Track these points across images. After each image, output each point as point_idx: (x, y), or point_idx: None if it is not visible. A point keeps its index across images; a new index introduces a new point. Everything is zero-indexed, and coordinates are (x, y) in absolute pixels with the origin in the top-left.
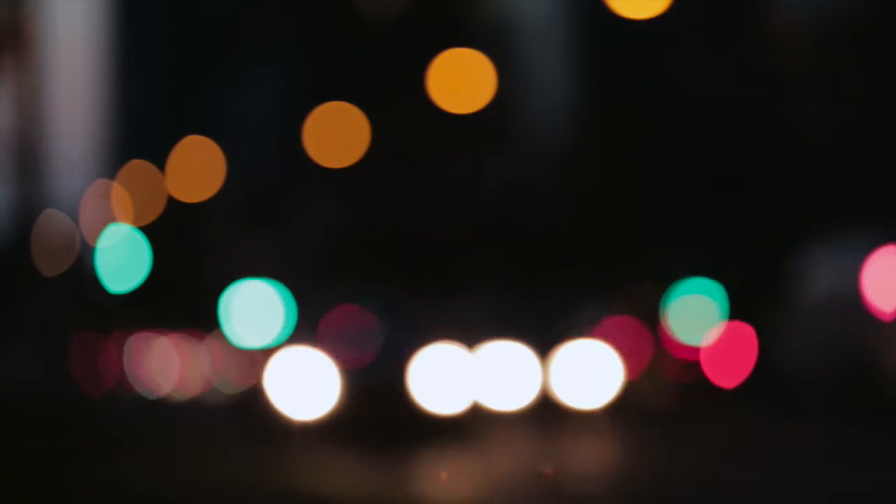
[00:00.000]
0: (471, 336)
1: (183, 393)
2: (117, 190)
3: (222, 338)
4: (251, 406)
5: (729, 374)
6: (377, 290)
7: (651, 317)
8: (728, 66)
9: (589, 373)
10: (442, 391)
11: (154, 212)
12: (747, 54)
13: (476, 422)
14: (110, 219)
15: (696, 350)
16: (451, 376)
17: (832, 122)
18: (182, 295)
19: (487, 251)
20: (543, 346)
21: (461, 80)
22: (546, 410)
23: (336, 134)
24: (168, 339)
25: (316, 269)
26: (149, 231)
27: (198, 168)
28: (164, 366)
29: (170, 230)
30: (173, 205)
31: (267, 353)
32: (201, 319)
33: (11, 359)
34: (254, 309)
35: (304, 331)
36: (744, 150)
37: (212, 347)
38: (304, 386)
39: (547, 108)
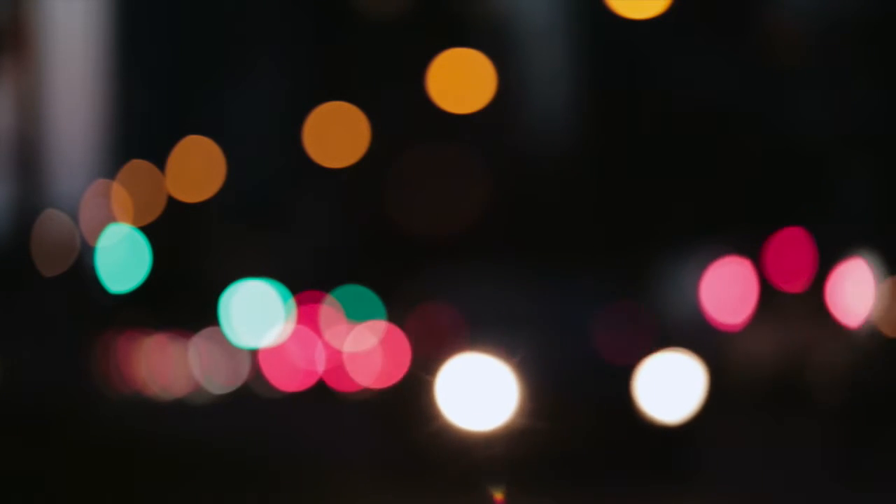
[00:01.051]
0: None
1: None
2: (117, 190)
3: (221, 337)
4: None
5: None
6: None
7: None
8: (728, 65)
9: None
10: (671, 401)
11: (154, 212)
12: (747, 54)
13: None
14: (110, 219)
15: None
16: (679, 385)
17: (832, 122)
18: (182, 295)
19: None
20: None
21: (461, 80)
22: None
23: (336, 134)
24: (170, 338)
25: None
26: (149, 231)
27: (198, 168)
28: (178, 364)
29: (170, 230)
30: (173, 205)
31: (265, 351)
32: (200, 319)
33: (11, 358)
34: (254, 309)
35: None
36: (743, 149)
37: (210, 346)
38: (479, 396)
39: (547, 108)
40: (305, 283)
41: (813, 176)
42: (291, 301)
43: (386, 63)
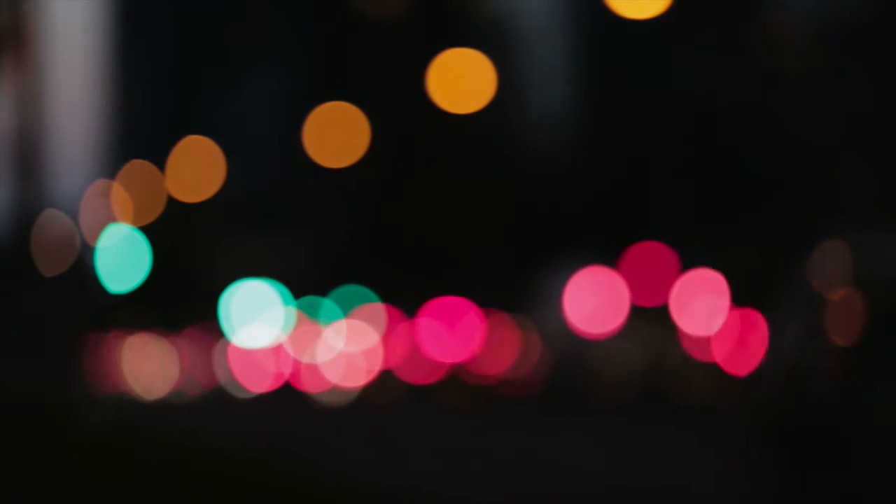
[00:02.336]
0: None
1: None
2: (117, 190)
3: (221, 337)
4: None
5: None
6: None
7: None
8: (727, 65)
9: None
10: None
11: (154, 212)
12: (747, 54)
13: None
14: (110, 219)
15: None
16: None
17: (832, 122)
18: (182, 295)
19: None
20: None
21: (461, 80)
22: None
23: (336, 134)
24: (168, 337)
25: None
26: (149, 231)
27: (198, 168)
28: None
29: (170, 230)
30: (173, 205)
31: (268, 351)
32: (199, 318)
33: (9, 359)
34: (253, 309)
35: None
36: (743, 149)
37: (213, 347)
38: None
39: (547, 108)
40: (305, 282)
41: (813, 175)
42: (293, 301)
43: (386, 63)
